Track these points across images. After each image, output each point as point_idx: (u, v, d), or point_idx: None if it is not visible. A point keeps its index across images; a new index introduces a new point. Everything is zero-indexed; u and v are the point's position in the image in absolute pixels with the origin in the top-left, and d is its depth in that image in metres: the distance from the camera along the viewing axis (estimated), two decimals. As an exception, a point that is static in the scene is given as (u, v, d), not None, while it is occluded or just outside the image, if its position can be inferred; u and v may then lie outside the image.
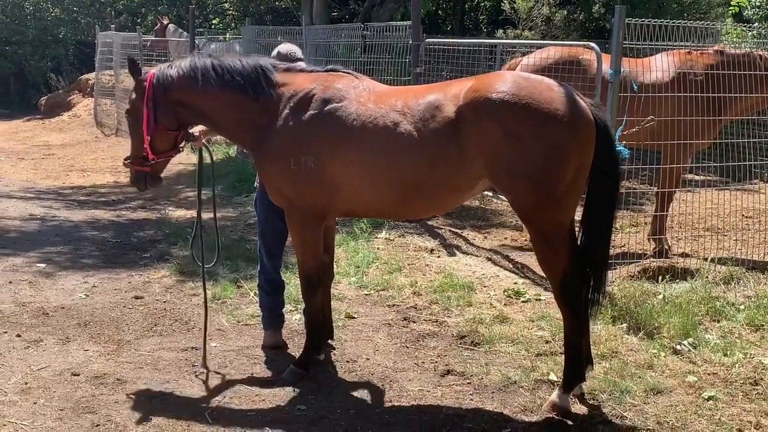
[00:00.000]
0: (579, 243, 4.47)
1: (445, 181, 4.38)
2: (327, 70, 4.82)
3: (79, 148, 15.78)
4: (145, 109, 4.78)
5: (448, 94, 4.39)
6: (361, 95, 4.60)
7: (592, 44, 7.23)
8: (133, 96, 4.91)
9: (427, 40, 9.39)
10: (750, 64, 7.04)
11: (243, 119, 4.76)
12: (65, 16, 25.61)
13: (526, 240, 7.79)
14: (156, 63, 18.06)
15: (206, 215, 5.57)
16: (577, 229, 4.52)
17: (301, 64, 5.07)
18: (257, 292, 5.63)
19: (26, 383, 4.79)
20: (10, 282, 6.79)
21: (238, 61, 4.79)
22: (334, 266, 5.58)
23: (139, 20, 25.18)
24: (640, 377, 4.82)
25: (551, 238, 4.29)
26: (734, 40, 9.77)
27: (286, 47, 5.43)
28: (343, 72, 4.82)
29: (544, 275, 5.02)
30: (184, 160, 13.67)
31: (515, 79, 4.31)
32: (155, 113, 4.79)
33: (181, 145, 5.07)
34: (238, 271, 7.01)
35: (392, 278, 6.79)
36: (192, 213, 9.59)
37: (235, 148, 13.76)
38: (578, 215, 4.49)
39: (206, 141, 5.34)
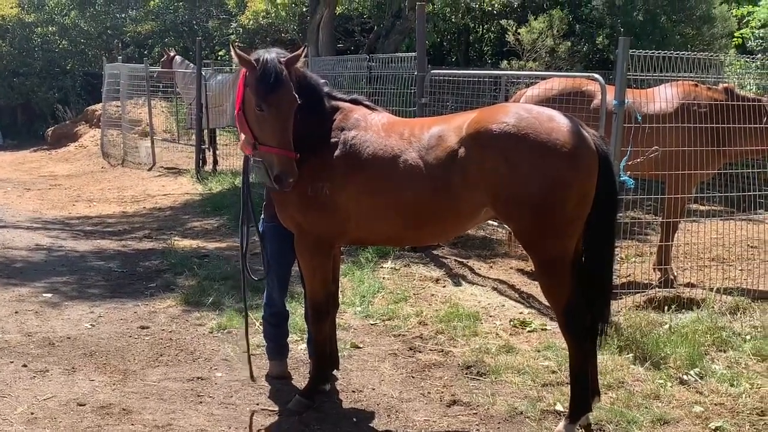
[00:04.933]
0: (583, 272, 4.51)
1: (448, 209, 4.45)
2: (350, 100, 4.90)
3: (85, 179, 15.87)
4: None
5: (452, 126, 4.47)
6: (375, 125, 4.69)
7: (596, 75, 7.30)
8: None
9: (432, 71, 9.48)
10: (757, 112, 7.08)
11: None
12: (72, 47, 25.84)
13: (531, 269, 7.81)
14: (162, 93, 18.30)
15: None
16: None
17: (330, 89, 5.10)
18: (262, 322, 5.65)
19: (32, 413, 4.80)
20: (16, 312, 6.82)
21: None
22: (340, 296, 5.60)
23: (146, 52, 25.39)
24: (646, 408, 4.82)
25: (554, 267, 4.33)
26: (738, 71, 9.86)
27: None
28: (364, 103, 4.91)
29: (548, 304, 5.04)
30: (190, 190, 13.82)
31: (517, 110, 4.39)
32: None
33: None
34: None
35: (398, 308, 6.80)
36: (198, 243, 9.66)
37: (240, 178, 13.85)
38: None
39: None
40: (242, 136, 4.72)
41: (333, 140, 4.66)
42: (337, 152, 4.62)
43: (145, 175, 15.74)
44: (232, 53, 4.58)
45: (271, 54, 4.48)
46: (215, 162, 15.16)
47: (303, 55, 4.62)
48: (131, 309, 6.99)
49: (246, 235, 5.15)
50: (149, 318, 6.74)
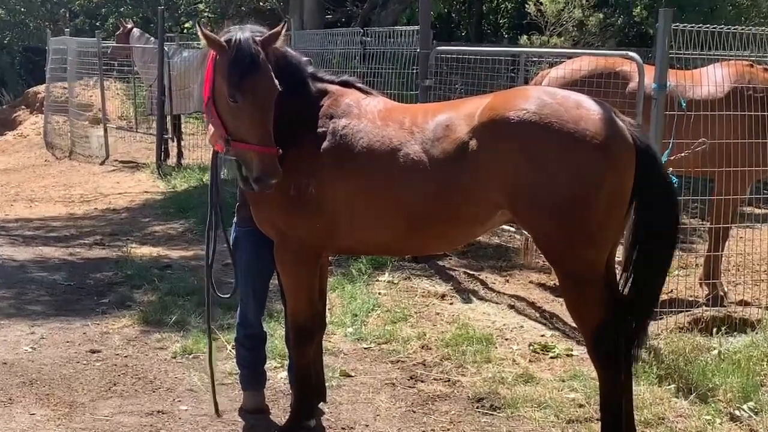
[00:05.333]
0: (621, 287, 4.53)
1: (457, 211, 4.46)
2: (340, 82, 4.90)
3: (25, 174, 15.87)
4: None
5: (462, 113, 4.47)
6: (370, 112, 4.70)
7: (633, 53, 7.31)
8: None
9: (437, 48, 9.49)
10: None
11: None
12: (10, 18, 25.85)
13: (554, 283, 7.82)
14: (118, 73, 18.30)
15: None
16: (617, 271, 4.56)
17: (315, 70, 5.10)
18: (234, 346, 5.64)
19: (-40, 453, 4.80)
20: (-58, 332, 6.82)
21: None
22: (328, 314, 5.60)
23: (98, 24, 25.43)
24: (691, 448, 4.82)
25: (582, 282, 4.34)
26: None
27: None
28: (356, 86, 4.91)
29: (575, 325, 5.04)
30: (150, 188, 13.82)
31: (538, 95, 4.40)
32: None
33: None
34: (213, 320, 7.00)
35: (396, 329, 6.80)
36: (159, 250, 9.65)
37: (208, 173, 13.84)
38: (619, 253, 4.53)
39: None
40: (211, 128, 4.71)
41: (320, 130, 4.66)
42: (324, 144, 4.62)
43: (96, 169, 15.74)
44: (199, 33, 4.55)
45: (245, 33, 4.44)
46: (180, 155, 15.18)
47: (283, 33, 4.61)
48: (79, 329, 6.97)
49: (213, 243, 5.13)
50: (101, 340, 6.73)
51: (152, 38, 16.02)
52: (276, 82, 4.43)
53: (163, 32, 15.04)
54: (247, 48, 4.39)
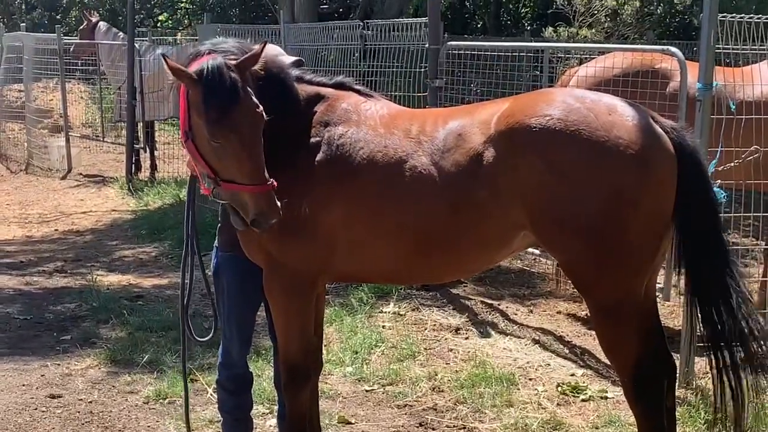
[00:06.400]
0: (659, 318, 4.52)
1: (472, 232, 4.45)
2: (334, 84, 4.91)
3: (-26, 191, 15.88)
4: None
5: (476, 120, 4.48)
6: (371, 118, 4.71)
7: (674, 49, 7.32)
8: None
9: (449, 42, 9.52)
10: None
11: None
12: (-43, 10, 25.95)
13: (586, 314, 7.81)
14: (82, 74, 18.35)
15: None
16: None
17: (301, 72, 5.10)
18: (216, 389, 5.63)
19: None
20: None
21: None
22: (324, 351, 5.60)
23: (58, 17, 25.53)
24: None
25: (617, 313, 4.33)
26: None
27: (269, 49, 5.49)
28: (354, 88, 4.92)
29: (610, 364, 5.03)
30: (119, 206, 13.84)
31: (564, 98, 4.40)
32: None
33: None
34: (192, 359, 7.01)
35: (403, 368, 6.80)
36: (129, 279, 9.65)
37: (185, 189, 13.81)
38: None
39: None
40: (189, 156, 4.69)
41: (313, 140, 4.67)
42: (319, 156, 4.63)
43: (57, 185, 15.76)
44: (164, 66, 4.49)
45: (217, 60, 4.32)
46: (153, 167, 15.19)
47: (263, 55, 4.51)
48: (37, 371, 6.97)
49: (190, 277, 5.14)
50: (62, 383, 6.73)
51: (121, 33, 16.05)
52: (260, 109, 4.33)
53: (133, 26, 15.08)
54: (222, 79, 4.26)
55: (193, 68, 4.32)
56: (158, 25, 22.86)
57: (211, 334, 5.33)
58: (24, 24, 19.96)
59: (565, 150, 4.22)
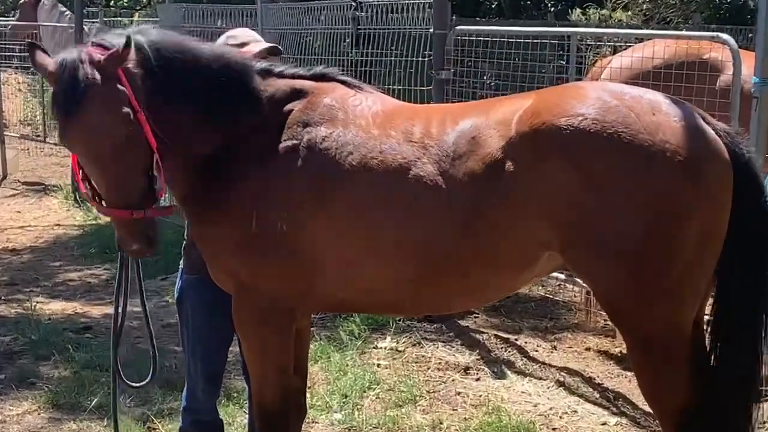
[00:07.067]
0: (710, 357, 4.50)
1: (488, 254, 4.43)
2: (313, 75, 4.89)
3: None
4: (140, 111, 4.45)
5: (493, 120, 4.46)
6: (362, 116, 4.68)
7: (725, 35, 7.31)
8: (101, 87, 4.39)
9: (458, 27, 9.52)
10: None
11: (178, 147, 4.71)
12: None
13: (620, 351, 7.81)
14: (20, 61, 18.34)
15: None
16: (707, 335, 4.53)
17: (269, 64, 5.10)
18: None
19: None
20: None
21: (205, 46, 4.85)
22: (308, 395, 5.57)
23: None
24: None
25: (661, 350, 4.32)
26: None
27: (241, 34, 5.49)
28: (339, 79, 4.90)
29: (650, 410, 5.00)
30: (63, 219, 13.81)
31: (599, 95, 4.38)
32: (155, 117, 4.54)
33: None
34: (150, 402, 7.00)
35: (401, 415, 6.78)
36: (75, 306, 9.62)
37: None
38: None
39: None
40: None
41: (288, 143, 4.64)
42: (298, 162, 4.60)
43: (-10, 194, 15.76)
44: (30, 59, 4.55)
45: (73, 54, 4.34)
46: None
47: (132, 53, 4.42)
48: (-35, 416, 6.95)
49: (123, 302, 5.18)
50: (-6, 431, 6.70)
51: (68, 12, 16.06)
52: (122, 120, 4.27)
53: (82, 5, 15.07)
54: (72, 77, 4.26)
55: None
56: (111, 4, 22.89)
57: (148, 379, 5.33)
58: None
59: (602, 157, 4.20)
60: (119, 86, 4.33)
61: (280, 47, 5.50)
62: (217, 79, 4.68)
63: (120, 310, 5.19)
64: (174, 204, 4.91)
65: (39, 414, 6.97)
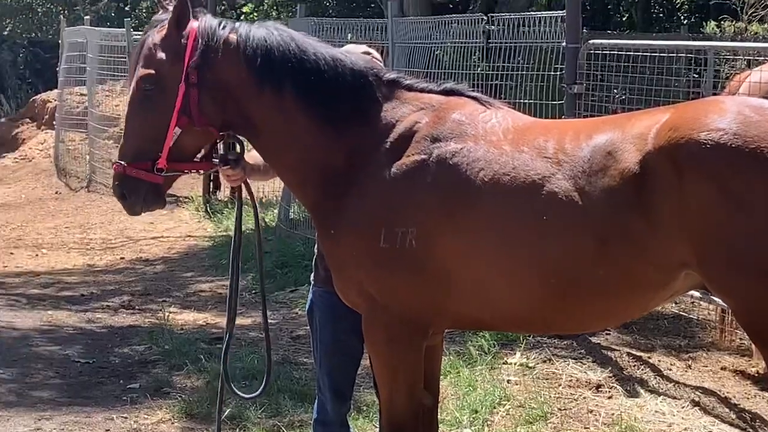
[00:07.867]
0: None
1: (625, 272, 4.39)
2: (443, 90, 4.90)
3: (30, 211, 16.19)
4: (183, 82, 4.70)
5: (629, 134, 4.42)
6: (492, 132, 4.67)
7: None
8: (162, 56, 4.76)
9: (590, 40, 9.45)
10: None
11: (308, 154, 4.81)
12: (13, 3, 26.40)
13: (757, 371, 7.68)
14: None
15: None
16: None
17: (399, 75, 5.10)
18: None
19: None
20: None
21: (338, 53, 4.92)
22: (439, 410, 5.57)
23: (127, 8, 25.94)
24: None
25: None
26: None
27: (356, 50, 5.49)
28: (468, 95, 4.90)
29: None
30: (194, 230, 13.98)
31: (739, 109, 4.32)
32: (200, 93, 4.75)
33: (216, 159, 5.02)
34: (280, 414, 7.05)
35: (533, 431, 6.76)
36: (207, 317, 9.74)
37: (277, 210, 13.81)
38: None
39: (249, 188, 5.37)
40: None
41: (416, 158, 4.64)
42: (427, 178, 4.61)
43: (123, 205, 15.99)
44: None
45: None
46: (235, 185, 15.31)
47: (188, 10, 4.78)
48: (101, 424, 7.07)
49: (233, 312, 5.37)
50: (129, 439, 6.83)
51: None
52: (148, 78, 4.68)
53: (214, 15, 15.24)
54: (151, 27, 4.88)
55: None
56: (240, 17, 23.14)
57: (259, 390, 5.39)
58: (88, 17, 20.29)
59: (744, 173, 4.13)
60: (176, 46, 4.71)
61: (370, 51, 5.50)
62: (342, 86, 4.74)
63: (231, 319, 5.34)
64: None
65: (172, 423, 7.06)
